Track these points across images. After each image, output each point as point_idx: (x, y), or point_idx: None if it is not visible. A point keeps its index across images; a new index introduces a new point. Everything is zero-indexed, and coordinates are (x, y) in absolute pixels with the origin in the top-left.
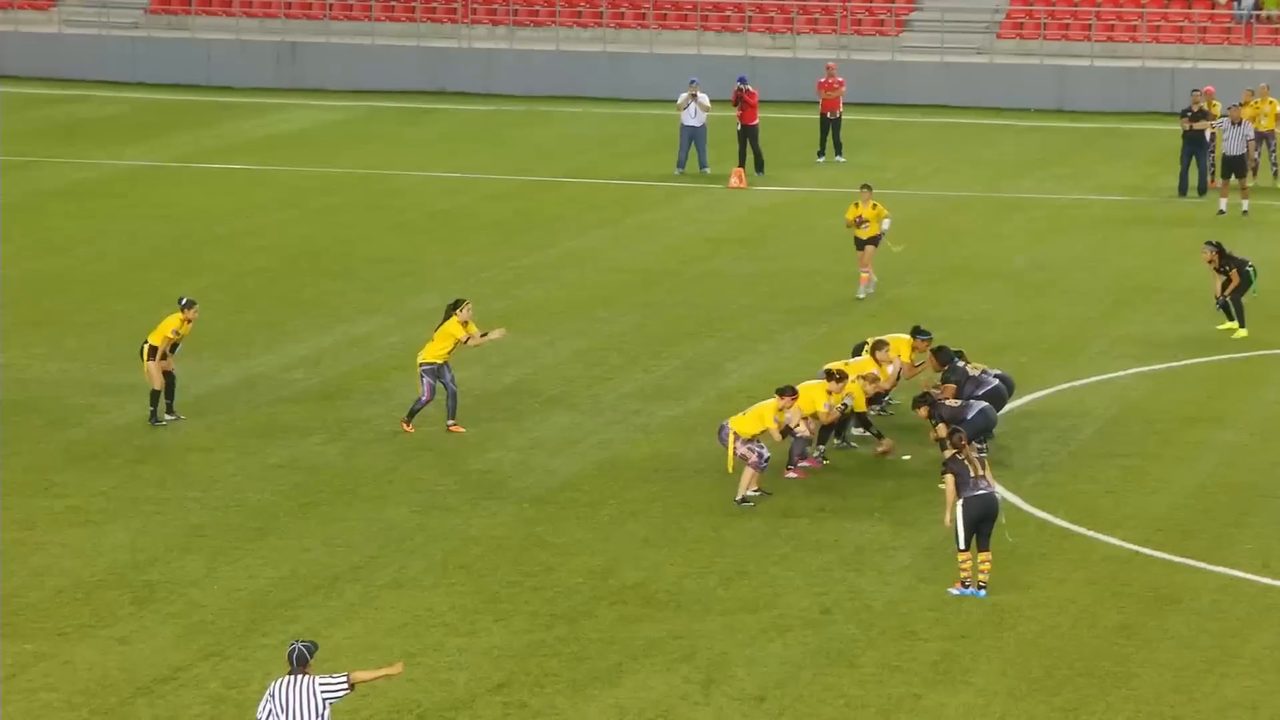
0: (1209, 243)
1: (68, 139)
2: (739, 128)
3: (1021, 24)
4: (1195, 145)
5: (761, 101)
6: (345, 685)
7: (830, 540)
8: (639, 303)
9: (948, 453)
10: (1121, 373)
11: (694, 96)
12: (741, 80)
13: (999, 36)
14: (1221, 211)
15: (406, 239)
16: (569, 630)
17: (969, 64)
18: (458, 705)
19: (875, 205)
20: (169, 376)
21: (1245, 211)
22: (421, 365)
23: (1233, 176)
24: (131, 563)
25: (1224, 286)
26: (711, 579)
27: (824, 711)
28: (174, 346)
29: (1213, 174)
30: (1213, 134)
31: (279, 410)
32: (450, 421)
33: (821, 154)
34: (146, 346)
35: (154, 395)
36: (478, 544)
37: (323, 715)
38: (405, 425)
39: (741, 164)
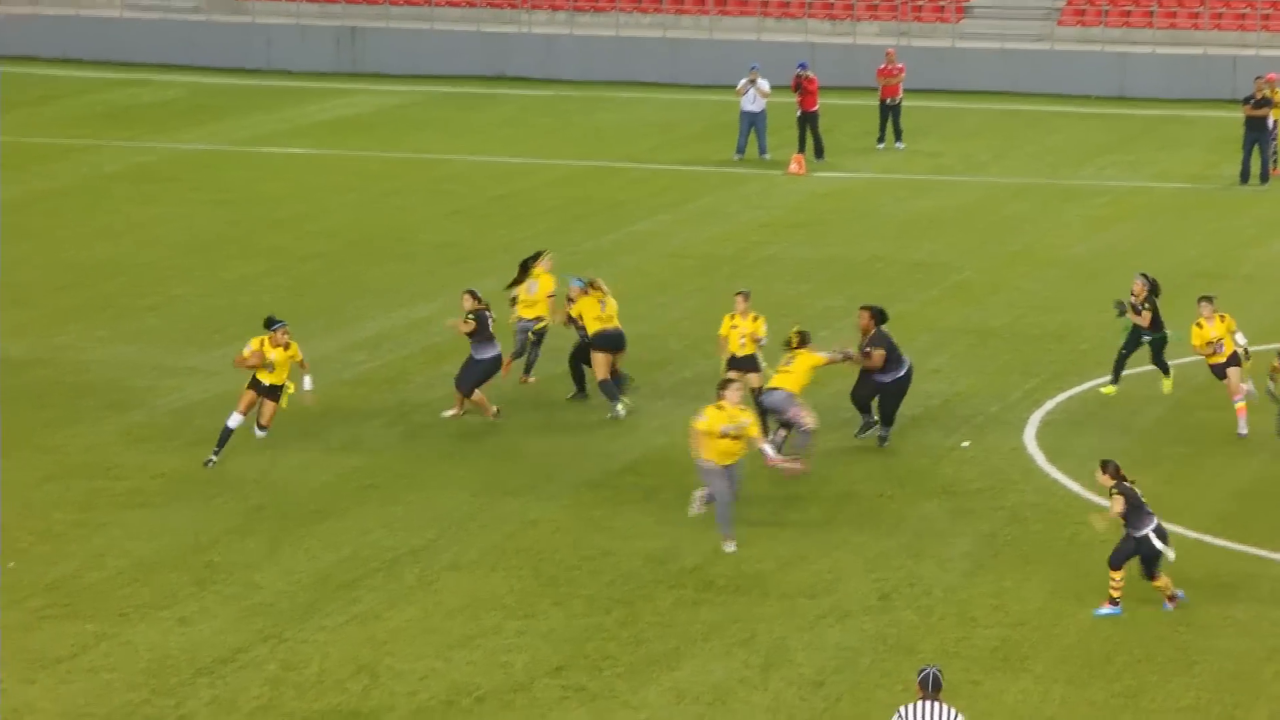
0: (1143, 275)
1: (128, 123)
2: (798, 114)
3: (1083, 11)
4: (1257, 132)
5: (821, 88)
6: None
7: (889, 526)
8: (698, 288)
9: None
10: (1183, 360)
11: (753, 82)
12: (801, 66)
13: (1059, 23)
14: None
15: (465, 224)
16: (627, 614)
17: (1029, 50)
18: (516, 688)
19: (756, 318)
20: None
21: None
22: (519, 321)
23: None
24: (192, 544)
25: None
26: (770, 563)
27: (882, 697)
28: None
29: (1275, 162)
30: (1275, 121)
31: (339, 393)
32: (526, 375)
33: (881, 140)
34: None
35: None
36: (536, 528)
37: None
38: (524, 378)
39: (801, 150)
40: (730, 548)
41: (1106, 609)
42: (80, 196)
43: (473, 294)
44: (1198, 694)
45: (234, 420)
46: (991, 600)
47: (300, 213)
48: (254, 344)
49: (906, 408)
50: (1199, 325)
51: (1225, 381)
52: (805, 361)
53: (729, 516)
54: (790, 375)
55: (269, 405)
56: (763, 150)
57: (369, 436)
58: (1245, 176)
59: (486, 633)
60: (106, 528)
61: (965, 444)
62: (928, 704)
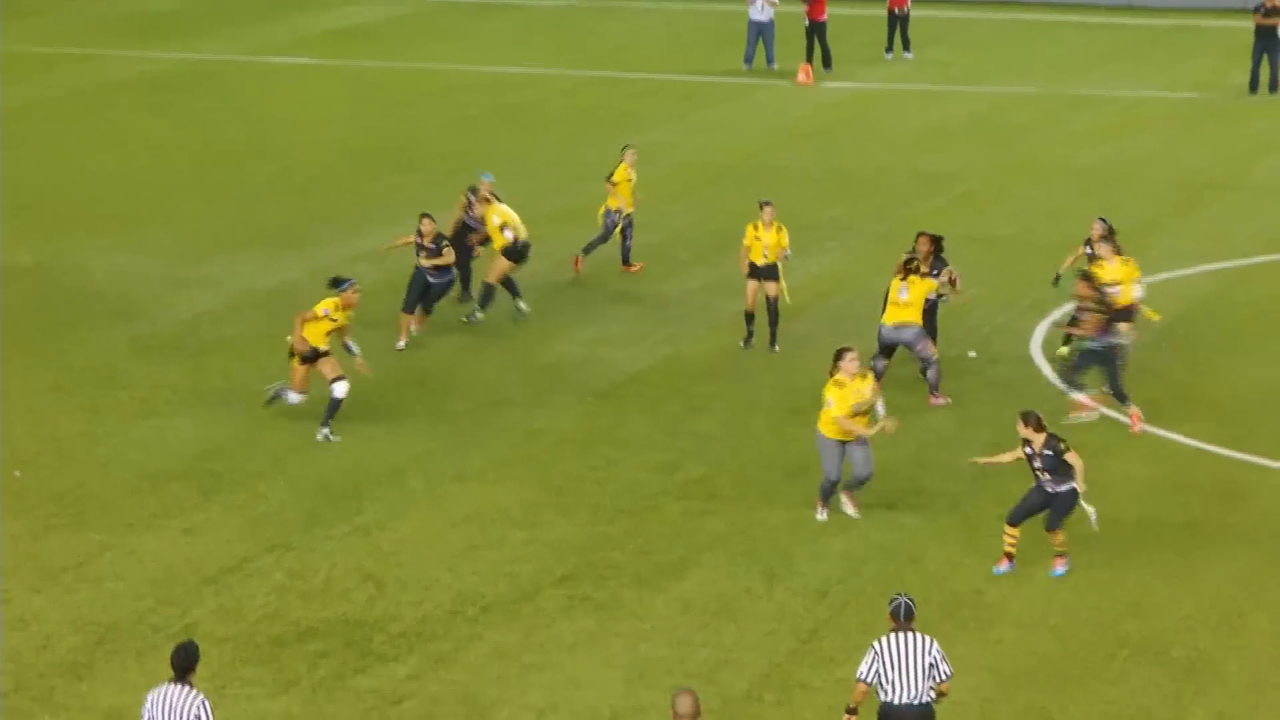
0: (1102, 219)
1: (135, 32)
2: (806, 24)
3: None
4: (1268, 41)
5: None
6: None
7: (896, 437)
8: (705, 198)
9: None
10: (1190, 270)
11: None
12: None
13: None
14: None
15: (472, 134)
16: (633, 524)
17: None
18: (521, 598)
19: (780, 228)
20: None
21: None
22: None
23: None
24: (198, 454)
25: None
26: (775, 474)
27: (885, 606)
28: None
29: None
30: None
31: None
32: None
33: (890, 50)
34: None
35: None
36: (542, 438)
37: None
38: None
39: (809, 60)
40: (821, 515)
41: (1004, 566)
42: (85, 106)
43: (428, 216)
44: (1199, 600)
45: (294, 398)
46: (996, 509)
47: (306, 122)
48: (328, 305)
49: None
50: (1100, 265)
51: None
52: (922, 290)
53: (827, 491)
54: (911, 308)
55: (327, 362)
56: (770, 60)
57: (373, 346)
58: (1255, 86)
59: (492, 543)
60: (112, 437)
61: (972, 354)
62: (902, 635)
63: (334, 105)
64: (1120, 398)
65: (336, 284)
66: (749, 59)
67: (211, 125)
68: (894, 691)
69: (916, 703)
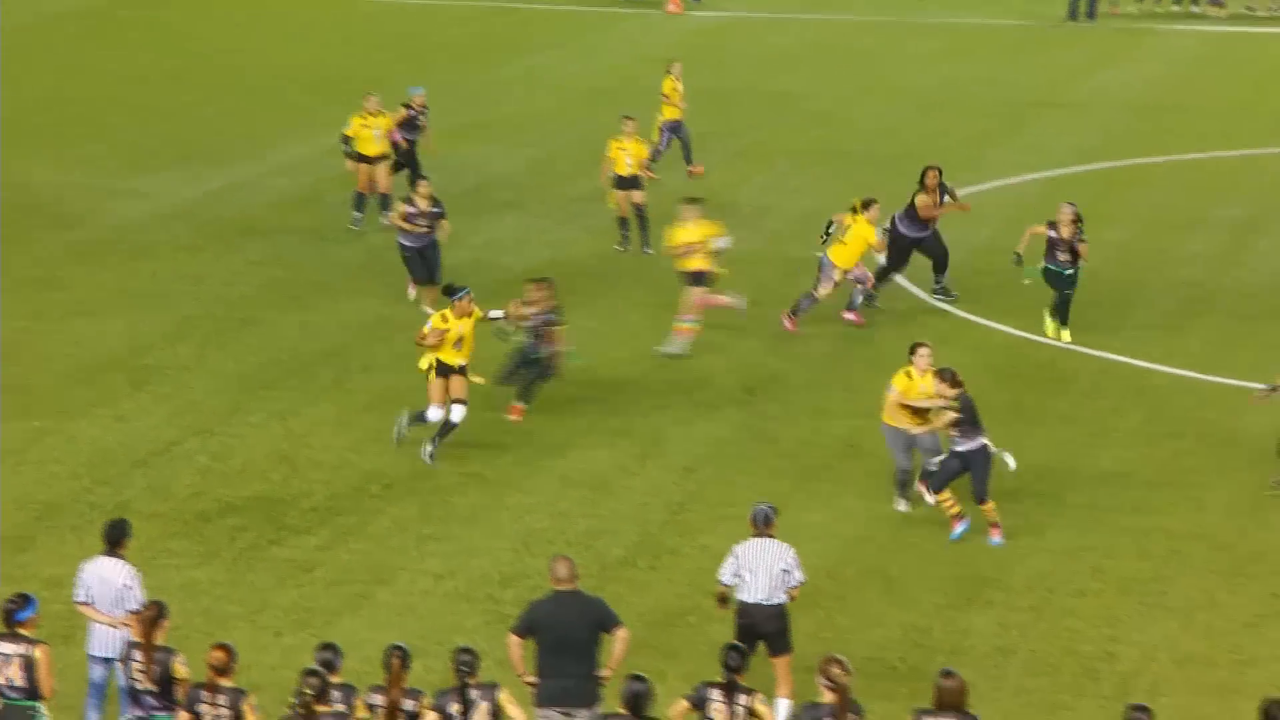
0: (1071, 204)
1: None
2: None
3: None
4: None
5: None
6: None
7: (754, 329)
8: (585, 117)
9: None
10: (1019, 178)
11: None
12: None
13: None
14: None
15: (375, 58)
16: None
17: None
18: (420, 475)
19: (640, 141)
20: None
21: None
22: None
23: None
24: (129, 349)
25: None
26: (648, 364)
27: (745, 481)
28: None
29: None
30: None
31: (261, 213)
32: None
33: None
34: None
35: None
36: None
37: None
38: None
39: None
40: (902, 506)
41: (959, 528)
42: (24, 35)
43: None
44: (1022, 478)
45: (434, 414)
46: (845, 393)
47: (225, 47)
48: (435, 321)
49: (773, 223)
50: (681, 225)
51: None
52: (860, 234)
53: (902, 481)
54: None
55: (457, 381)
56: None
57: (288, 252)
58: (1073, 14)
59: (394, 426)
60: (52, 335)
61: (819, 254)
62: (760, 541)
63: (247, 31)
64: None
65: (451, 293)
66: None
67: (144, 51)
68: (748, 590)
69: (768, 602)
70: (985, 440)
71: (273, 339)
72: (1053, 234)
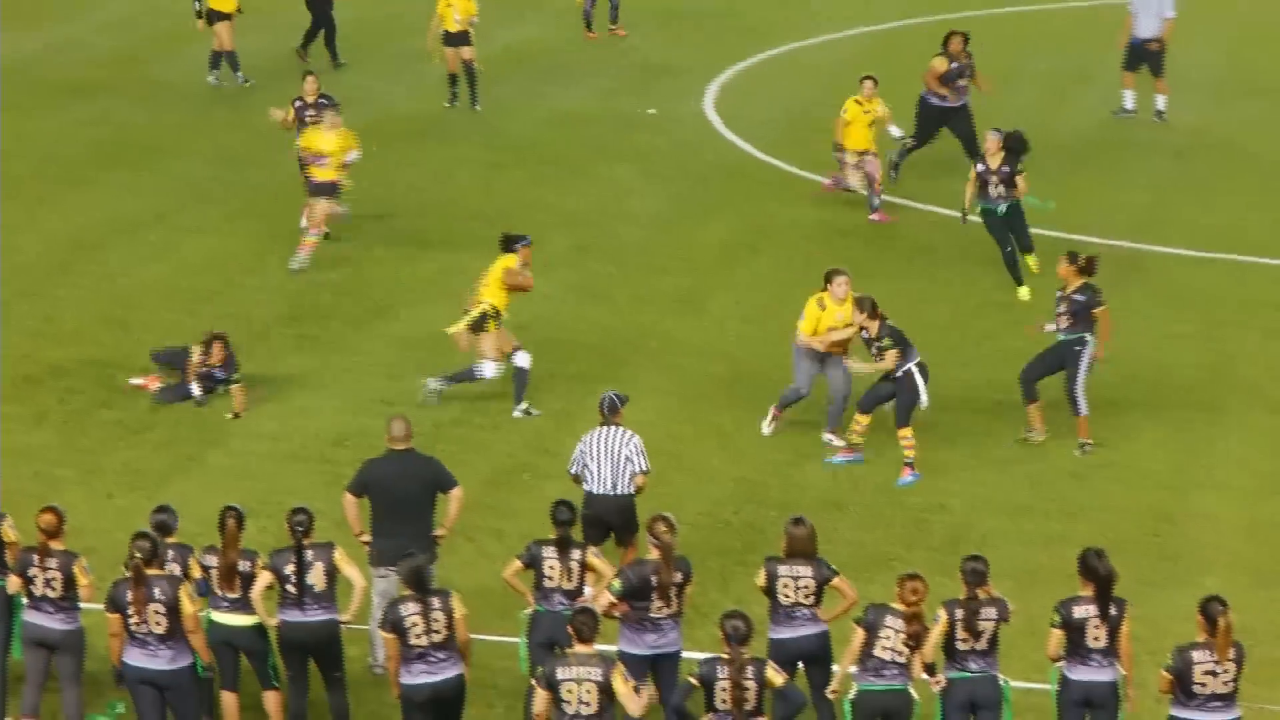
0: (996, 129)
1: None
2: None
3: None
4: None
5: None
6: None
7: (584, 185)
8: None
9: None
10: (845, 33)
11: None
12: None
13: None
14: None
15: None
16: (353, 270)
17: None
18: (255, 337)
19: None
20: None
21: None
22: None
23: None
24: None
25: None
26: (479, 223)
27: (581, 340)
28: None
29: None
30: None
31: (87, 72)
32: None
33: None
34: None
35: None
36: (267, 192)
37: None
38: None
39: None
40: (767, 429)
41: (843, 457)
42: None
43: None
44: None
45: (490, 370)
46: (679, 251)
47: None
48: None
49: (598, 79)
50: (316, 130)
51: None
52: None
53: (788, 400)
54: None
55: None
56: None
57: (116, 112)
58: None
59: (227, 287)
60: None
61: (651, 110)
62: (606, 429)
63: None
64: None
65: (518, 240)
66: None
67: None
68: (594, 481)
69: (613, 493)
70: (916, 362)
71: (102, 200)
72: (980, 167)
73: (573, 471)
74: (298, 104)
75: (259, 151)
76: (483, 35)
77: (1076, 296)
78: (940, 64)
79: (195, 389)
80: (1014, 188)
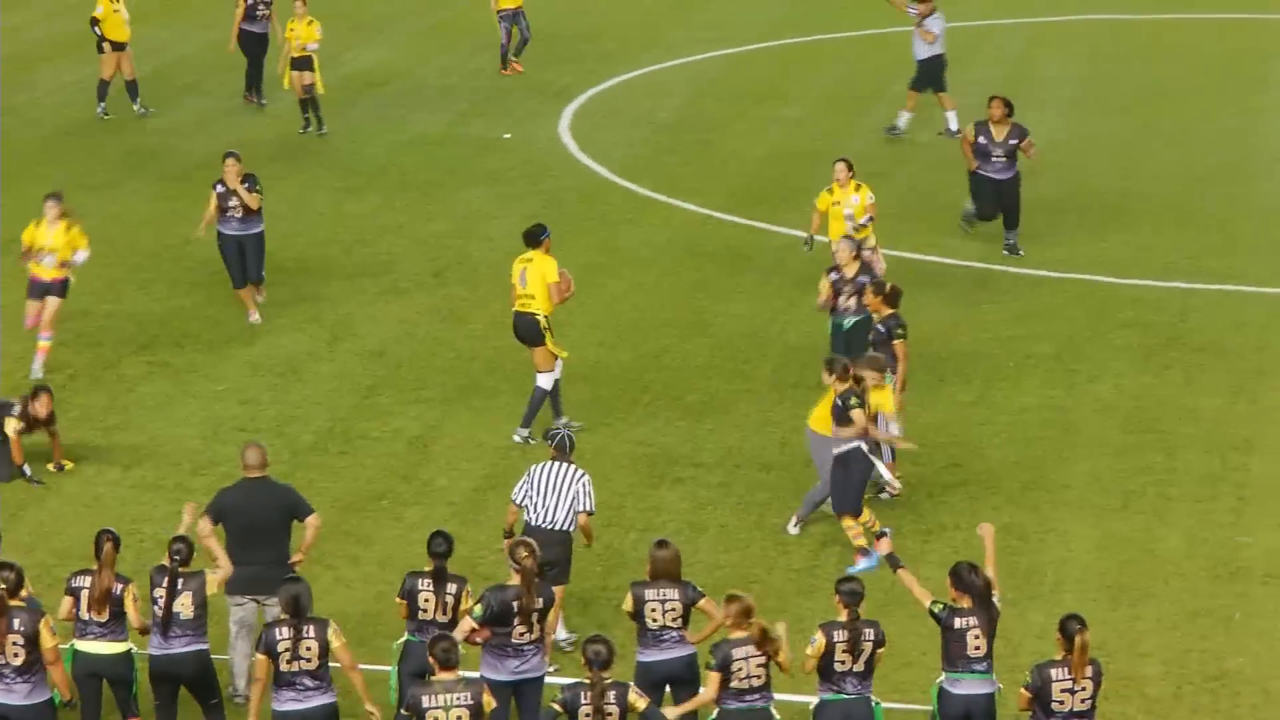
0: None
1: None
2: None
3: None
4: None
5: None
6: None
7: (440, 209)
8: None
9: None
10: (700, 56)
11: None
12: None
13: None
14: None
15: None
16: (205, 296)
17: None
18: (106, 365)
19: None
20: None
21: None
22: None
23: None
24: None
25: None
26: (335, 249)
27: (437, 363)
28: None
29: None
30: None
31: None
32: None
33: None
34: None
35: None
36: (120, 220)
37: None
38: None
39: None
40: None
41: (864, 563)
42: None
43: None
44: (712, 352)
45: (546, 381)
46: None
47: None
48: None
49: (451, 103)
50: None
51: None
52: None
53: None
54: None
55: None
56: None
57: None
58: None
59: (75, 315)
60: None
61: (506, 135)
62: (556, 464)
63: None
64: None
65: (542, 233)
66: None
67: None
68: (536, 514)
69: (552, 527)
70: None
71: None
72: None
73: (516, 501)
74: (219, 189)
75: (107, 178)
76: (333, 59)
77: (878, 327)
78: (969, 133)
79: (27, 469)
80: (1014, 160)
